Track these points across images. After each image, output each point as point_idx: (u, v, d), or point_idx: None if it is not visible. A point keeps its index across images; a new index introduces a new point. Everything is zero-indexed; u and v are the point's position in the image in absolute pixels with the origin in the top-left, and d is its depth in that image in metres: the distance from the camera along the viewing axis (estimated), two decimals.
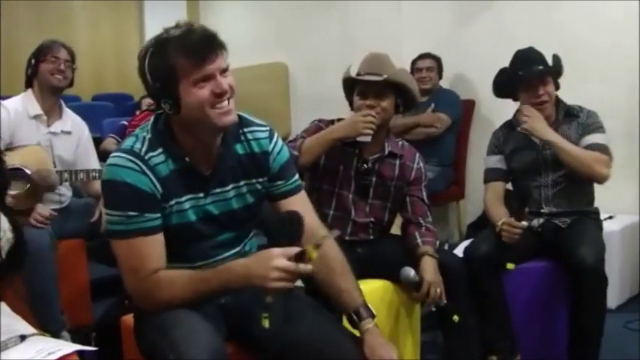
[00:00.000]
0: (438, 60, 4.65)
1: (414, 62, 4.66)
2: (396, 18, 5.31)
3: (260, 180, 1.91)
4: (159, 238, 1.73)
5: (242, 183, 1.87)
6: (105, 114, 6.17)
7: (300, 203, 1.95)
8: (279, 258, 1.59)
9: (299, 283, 2.06)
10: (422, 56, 4.66)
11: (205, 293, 1.69)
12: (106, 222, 1.76)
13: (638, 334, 3.31)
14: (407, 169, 2.72)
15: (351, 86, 2.67)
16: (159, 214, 1.73)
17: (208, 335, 1.62)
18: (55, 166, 3.10)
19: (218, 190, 1.83)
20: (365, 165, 2.67)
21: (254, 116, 1.96)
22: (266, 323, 1.61)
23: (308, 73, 6.12)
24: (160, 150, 1.74)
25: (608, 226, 2.87)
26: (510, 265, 2.72)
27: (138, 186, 1.69)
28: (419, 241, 2.61)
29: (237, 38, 6.81)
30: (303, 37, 6.09)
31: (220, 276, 1.68)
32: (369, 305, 1.93)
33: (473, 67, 4.75)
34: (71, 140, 3.25)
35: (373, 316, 1.91)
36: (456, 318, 2.45)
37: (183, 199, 1.77)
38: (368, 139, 2.56)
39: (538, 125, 2.79)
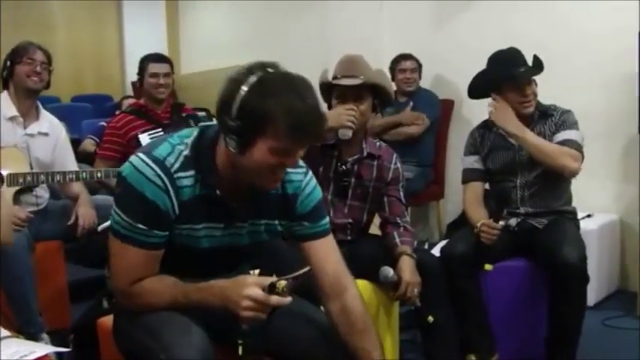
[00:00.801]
0: (416, 59, 4.67)
1: (396, 62, 4.66)
2: (377, 18, 5.32)
3: (282, 222, 1.84)
4: (155, 255, 1.69)
5: (262, 221, 1.81)
6: (84, 115, 6.15)
7: (326, 247, 1.85)
8: (251, 287, 1.53)
9: None
10: (405, 57, 4.66)
11: (183, 306, 1.65)
12: (111, 217, 1.69)
13: (615, 331, 3.36)
14: (385, 170, 2.73)
15: (328, 90, 2.67)
16: (166, 234, 1.67)
17: (198, 336, 1.60)
18: (31, 168, 3.08)
19: (238, 225, 1.77)
20: (344, 166, 2.68)
21: None
22: (240, 350, 1.59)
23: None
24: (192, 172, 1.65)
25: (585, 225, 2.90)
26: (488, 266, 2.72)
27: (156, 203, 1.62)
28: (397, 240, 2.62)
29: (216, 39, 6.83)
30: (283, 38, 6.07)
31: (200, 293, 1.63)
32: None
33: (452, 67, 4.77)
34: (48, 142, 3.22)
35: None
36: (430, 319, 2.46)
37: (200, 226, 1.71)
38: (349, 134, 2.56)
39: (502, 117, 2.80)
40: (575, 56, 4.09)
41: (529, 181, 2.91)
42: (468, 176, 3.05)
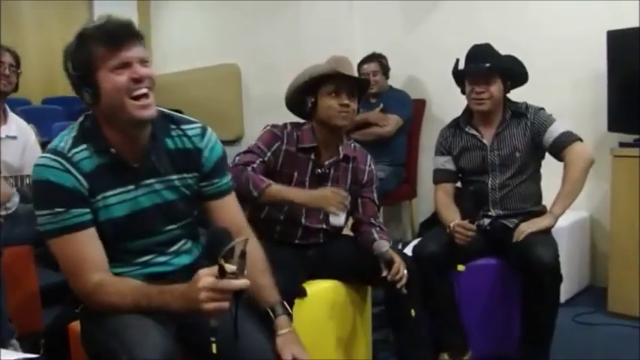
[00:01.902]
0: (381, 61, 4.61)
1: (359, 66, 4.60)
2: (347, 18, 5.32)
3: (192, 175, 1.93)
4: (90, 234, 1.75)
5: (174, 177, 1.89)
6: (55, 118, 6.08)
7: (227, 205, 2.01)
8: (203, 278, 1.57)
9: None
10: (365, 60, 4.62)
11: (145, 308, 1.68)
12: (39, 225, 1.76)
13: (586, 327, 3.39)
14: (360, 172, 2.74)
15: (314, 86, 2.64)
16: (87, 210, 1.74)
17: (160, 337, 1.64)
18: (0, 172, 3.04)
19: (148, 182, 1.85)
20: (319, 170, 2.66)
21: (202, 118, 1.98)
22: (213, 348, 1.59)
23: (260, 75, 6.10)
24: (84, 146, 1.76)
25: (556, 223, 2.91)
26: (461, 267, 2.74)
27: (61, 183, 1.70)
28: (376, 236, 2.62)
29: (189, 40, 6.81)
30: (255, 38, 6.07)
31: (163, 296, 1.67)
32: (285, 304, 2.01)
33: (423, 66, 4.79)
34: (17, 145, 3.18)
35: (289, 315, 1.99)
36: (413, 312, 2.45)
37: (111, 193, 1.79)
38: (341, 221, 2.58)
39: (536, 227, 2.76)
40: (546, 55, 4.12)
41: (501, 182, 2.92)
42: (439, 177, 3.07)
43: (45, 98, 7.17)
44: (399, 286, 2.43)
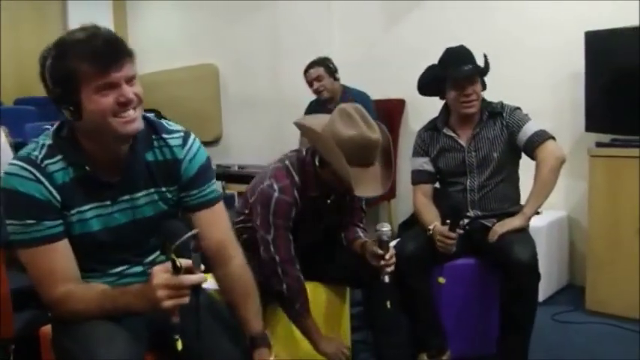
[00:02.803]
0: (325, 63, 4.42)
1: (304, 73, 4.45)
2: (325, 18, 5.30)
3: (171, 189, 1.85)
4: (62, 246, 1.69)
5: (152, 190, 1.82)
6: (28, 118, 5.95)
7: (213, 217, 1.91)
8: (158, 275, 1.54)
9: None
10: (310, 65, 4.43)
11: (111, 312, 1.65)
12: (9, 231, 1.70)
13: (564, 326, 3.41)
14: None
15: None
16: (59, 222, 1.68)
17: (125, 343, 1.61)
18: None
19: (126, 197, 1.78)
20: (328, 200, 2.54)
21: (174, 121, 1.93)
22: (179, 345, 1.56)
23: (238, 74, 6.05)
24: (58, 157, 1.68)
25: (534, 222, 2.91)
26: (441, 280, 2.75)
27: (31, 194, 1.64)
28: (361, 234, 2.61)
29: (166, 39, 6.75)
30: (233, 38, 6.03)
31: (125, 297, 1.64)
32: (268, 335, 1.92)
33: (402, 66, 4.76)
34: None
35: (269, 347, 1.89)
36: (388, 304, 2.39)
37: (86, 207, 1.72)
38: None
39: (507, 227, 2.74)
40: (524, 55, 4.14)
41: (480, 183, 2.91)
42: (418, 178, 3.05)
43: (17, 99, 7.06)
44: (388, 270, 2.37)
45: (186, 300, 1.55)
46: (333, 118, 2.30)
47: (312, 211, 2.47)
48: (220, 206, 1.94)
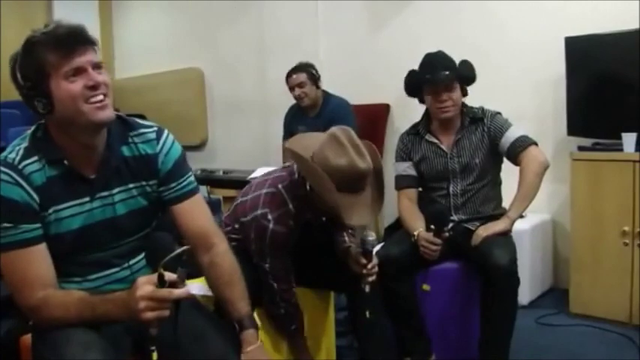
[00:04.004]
0: (308, 70, 4.40)
1: (287, 78, 4.44)
2: (312, 20, 5.30)
3: (150, 183, 1.87)
4: (39, 250, 1.69)
5: (131, 186, 1.84)
6: (11, 122, 5.92)
7: (193, 208, 1.93)
8: (142, 287, 1.55)
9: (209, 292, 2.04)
10: (293, 71, 4.41)
11: (90, 319, 1.65)
12: None
13: (549, 329, 3.43)
14: None
15: None
16: (37, 225, 1.68)
17: (100, 352, 1.60)
18: None
19: (105, 194, 1.79)
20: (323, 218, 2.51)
21: (165, 122, 1.96)
22: (154, 357, 1.57)
23: (224, 78, 6.05)
24: (35, 157, 1.70)
25: (518, 225, 2.92)
26: (426, 287, 2.76)
27: (10, 197, 1.64)
28: (346, 237, 2.60)
29: (152, 43, 6.73)
30: (218, 42, 6.03)
31: (106, 305, 1.64)
32: (254, 316, 1.94)
33: (387, 70, 4.77)
34: None
35: (256, 327, 1.92)
36: (367, 314, 2.39)
37: (63, 206, 1.73)
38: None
39: (491, 231, 2.76)
40: (507, 60, 4.17)
41: (462, 188, 2.93)
42: (402, 183, 3.06)
43: (1, 102, 7.00)
44: (369, 279, 2.36)
45: (166, 313, 1.56)
46: (323, 145, 2.24)
47: (305, 228, 2.46)
48: (199, 197, 1.97)
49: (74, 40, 1.64)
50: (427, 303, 2.86)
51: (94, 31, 7.11)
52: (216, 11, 6.04)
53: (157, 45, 6.69)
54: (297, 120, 4.54)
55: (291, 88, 4.41)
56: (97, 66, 1.67)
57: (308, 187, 2.27)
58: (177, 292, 1.55)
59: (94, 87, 1.65)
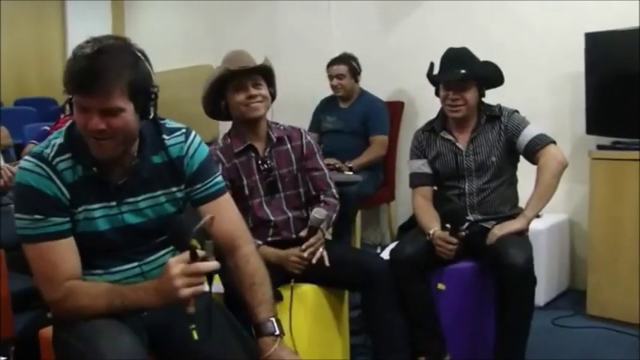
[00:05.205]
0: (349, 62, 4.50)
1: (328, 67, 4.55)
2: (325, 18, 5.30)
3: (178, 188, 1.89)
4: (67, 244, 1.73)
5: (159, 193, 1.85)
6: (27, 119, 5.97)
7: (219, 209, 1.92)
8: (175, 265, 1.57)
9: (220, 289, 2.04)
10: (334, 61, 4.54)
11: (119, 308, 1.68)
12: (17, 227, 1.73)
13: (565, 330, 3.39)
14: (298, 149, 2.74)
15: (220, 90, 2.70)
16: (66, 219, 1.72)
17: (132, 345, 1.62)
18: None
19: (131, 200, 1.81)
20: (265, 164, 2.65)
21: (177, 120, 1.94)
22: (194, 335, 1.59)
23: None
24: (68, 155, 1.73)
25: (534, 225, 2.89)
26: (441, 286, 2.75)
27: (42, 190, 1.68)
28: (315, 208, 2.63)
29: (163, 40, 6.74)
30: (230, 39, 6.02)
31: (136, 294, 1.68)
32: (274, 322, 1.88)
33: (401, 67, 4.77)
34: None
35: (275, 333, 1.86)
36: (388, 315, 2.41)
37: (94, 206, 1.76)
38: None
39: (507, 230, 2.74)
40: (525, 57, 4.12)
41: (478, 187, 2.90)
42: (417, 180, 3.03)
43: (17, 99, 7.06)
44: (307, 255, 2.50)
45: (202, 288, 1.58)
46: None
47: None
48: (226, 197, 1.98)
49: (81, 81, 1.60)
50: (442, 302, 2.83)
51: (105, 29, 7.25)
52: (228, 8, 6.05)
53: (169, 43, 6.71)
54: (328, 110, 4.63)
55: (330, 77, 4.50)
56: (107, 112, 1.62)
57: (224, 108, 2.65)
58: (209, 265, 1.58)
59: (91, 132, 1.64)
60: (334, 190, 2.81)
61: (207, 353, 1.74)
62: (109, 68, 1.59)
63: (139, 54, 1.72)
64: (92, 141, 1.66)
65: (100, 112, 1.61)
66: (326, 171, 2.81)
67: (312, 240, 2.53)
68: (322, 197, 2.74)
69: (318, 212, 2.53)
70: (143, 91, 1.67)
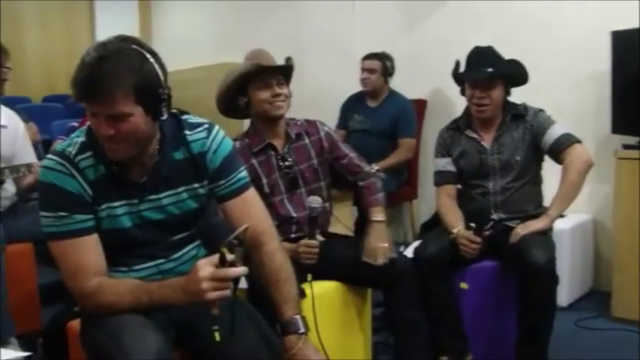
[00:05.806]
0: (384, 60, 4.50)
1: (362, 61, 4.56)
2: (349, 17, 5.30)
3: (201, 184, 1.89)
4: (92, 240, 1.74)
5: (181, 189, 1.86)
6: (55, 116, 6.05)
7: (244, 205, 1.93)
8: (204, 268, 1.58)
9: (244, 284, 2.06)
10: (367, 57, 4.55)
11: (146, 304, 1.69)
12: (42, 224, 1.75)
13: (589, 332, 3.36)
14: (318, 142, 2.75)
15: (242, 87, 2.68)
16: (90, 216, 1.73)
17: (157, 342, 1.62)
18: None
19: (153, 197, 1.82)
20: (285, 162, 2.67)
21: (199, 116, 1.94)
22: (217, 336, 1.61)
23: None
24: (89, 153, 1.74)
25: (557, 225, 2.88)
26: (464, 285, 2.75)
27: (65, 188, 1.70)
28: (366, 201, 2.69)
29: (190, 38, 6.80)
30: (256, 37, 6.05)
31: (163, 290, 1.68)
32: (299, 320, 1.84)
33: (425, 66, 4.76)
34: (8, 134, 3.10)
35: (299, 332, 1.82)
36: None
37: (116, 204, 1.77)
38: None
39: (530, 229, 2.73)
40: (549, 55, 4.10)
41: (502, 186, 2.89)
42: (441, 179, 3.03)
43: (45, 96, 7.16)
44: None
45: (228, 292, 1.60)
46: None
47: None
48: (250, 193, 1.96)
49: (84, 88, 1.61)
50: (464, 301, 2.83)
51: (133, 28, 7.26)
52: (253, 6, 6.07)
53: (195, 40, 6.76)
54: (355, 109, 4.61)
55: (362, 70, 4.50)
56: (113, 117, 1.62)
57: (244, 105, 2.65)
58: (237, 270, 1.59)
59: (102, 136, 1.66)
60: (367, 168, 2.81)
61: (231, 352, 1.75)
62: (110, 75, 1.58)
63: (148, 55, 1.68)
64: (105, 144, 1.68)
65: (107, 118, 1.62)
66: (352, 154, 2.81)
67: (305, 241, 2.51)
68: (360, 184, 2.75)
69: (313, 201, 2.52)
70: (151, 94, 1.66)
